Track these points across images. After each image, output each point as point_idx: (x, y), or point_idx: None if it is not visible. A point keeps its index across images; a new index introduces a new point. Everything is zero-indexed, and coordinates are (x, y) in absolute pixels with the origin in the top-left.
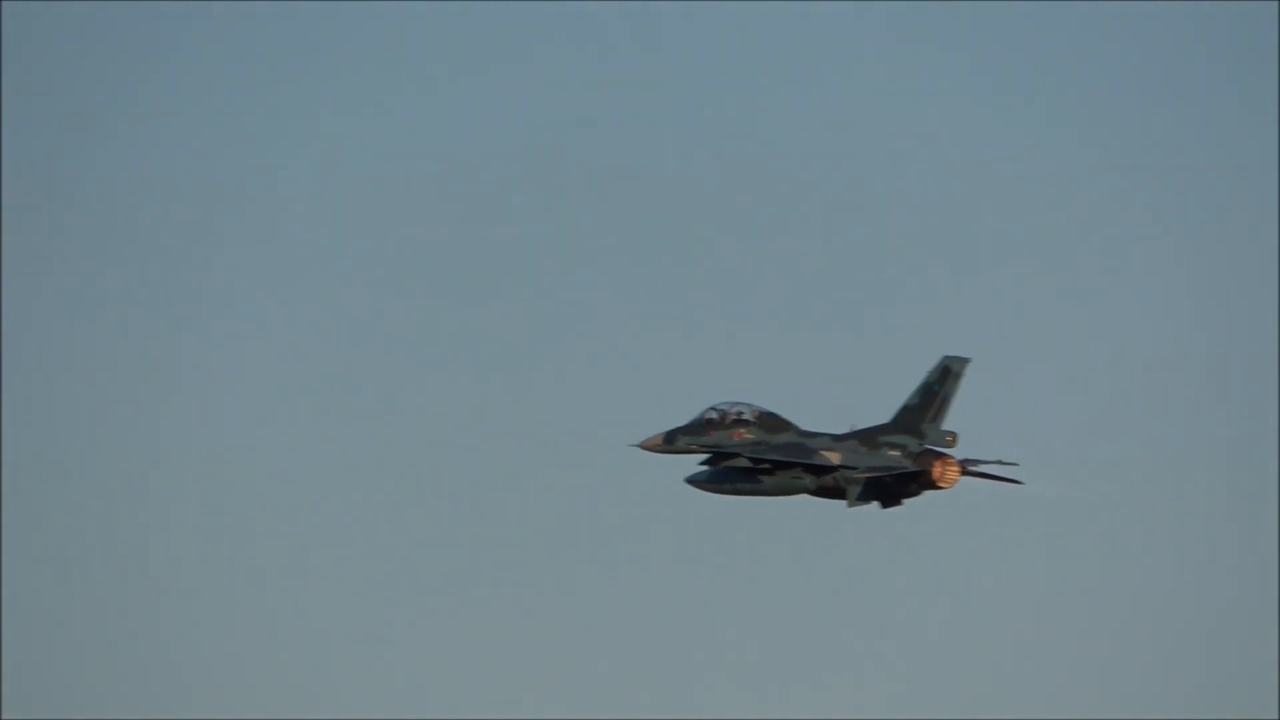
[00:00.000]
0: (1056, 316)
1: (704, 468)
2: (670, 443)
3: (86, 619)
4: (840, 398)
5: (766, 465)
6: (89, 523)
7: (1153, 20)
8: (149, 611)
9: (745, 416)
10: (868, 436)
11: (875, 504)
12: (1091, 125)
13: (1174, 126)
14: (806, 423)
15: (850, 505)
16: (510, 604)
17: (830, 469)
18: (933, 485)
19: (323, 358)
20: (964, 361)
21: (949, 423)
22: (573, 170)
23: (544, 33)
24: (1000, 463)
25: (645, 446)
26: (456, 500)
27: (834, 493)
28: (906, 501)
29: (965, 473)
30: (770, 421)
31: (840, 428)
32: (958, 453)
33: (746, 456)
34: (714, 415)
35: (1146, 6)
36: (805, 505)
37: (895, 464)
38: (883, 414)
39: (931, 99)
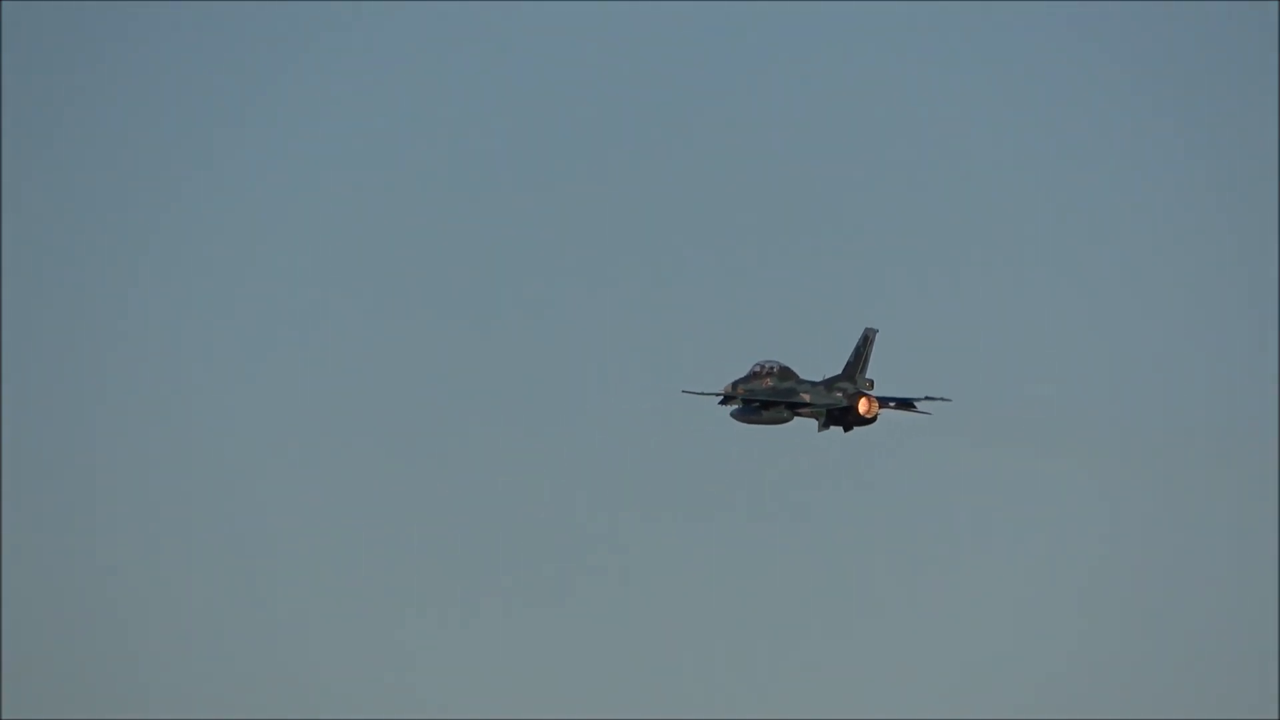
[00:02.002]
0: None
1: (735, 405)
2: (734, 388)
3: (86, 619)
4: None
5: (757, 404)
6: (88, 522)
7: (1152, 20)
8: (149, 611)
9: (773, 369)
10: (829, 383)
11: (839, 429)
12: (1090, 125)
13: (1174, 126)
14: (809, 374)
15: (820, 430)
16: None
17: (803, 405)
18: (861, 416)
19: (320, 355)
20: (875, 331)
21: (870, 372)
22: (571, 168)
23: (543, 33)
24: (930, 398)
25: (722, 391)
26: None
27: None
28: (857, 428)
29: (883, 407)
30: (786, 374)
31: (818, 378)
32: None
33: (741, 399)
34: (758, 369)
35: (1146, 6)
36: (797, 428)
37: (836, 402)
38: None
39: (931, 98)
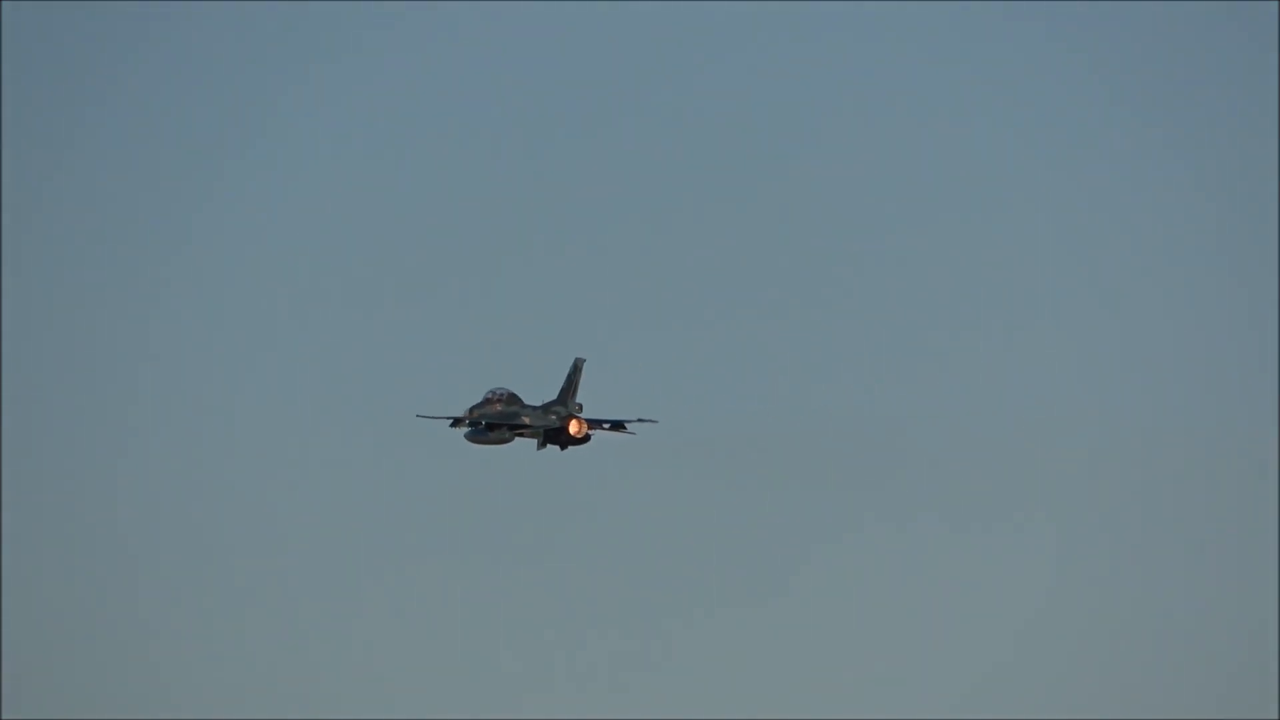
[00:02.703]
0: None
1: (468, 428)
2: (470, 412)
3: (86, 619)
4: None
5: (483, 424)
6: (88, 522)
7: (1152, 20)
8: (149, 611)
9: (503, 396)
10: (546, 407)
11: (555, 447)
12: (1090, 125)
13: (1174, 126)
14: (536, 398)
15: (539, 448)
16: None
17: (523, 427)
18: (572, 436)
19: (316, 353)
20: (583, 360)
21: (580, 396)
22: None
23: (543, 32)
24: (641, 420)
25: (463, 415)
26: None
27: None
28: (571, 447)
29: (596, 428)
30: (513, 400)
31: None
32: (588, 416)
33: (468, 421)
34: (490, 395)
35: (1146, 7)
36: (519, 446)
37: (549, 423)
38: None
39: (924, 97)
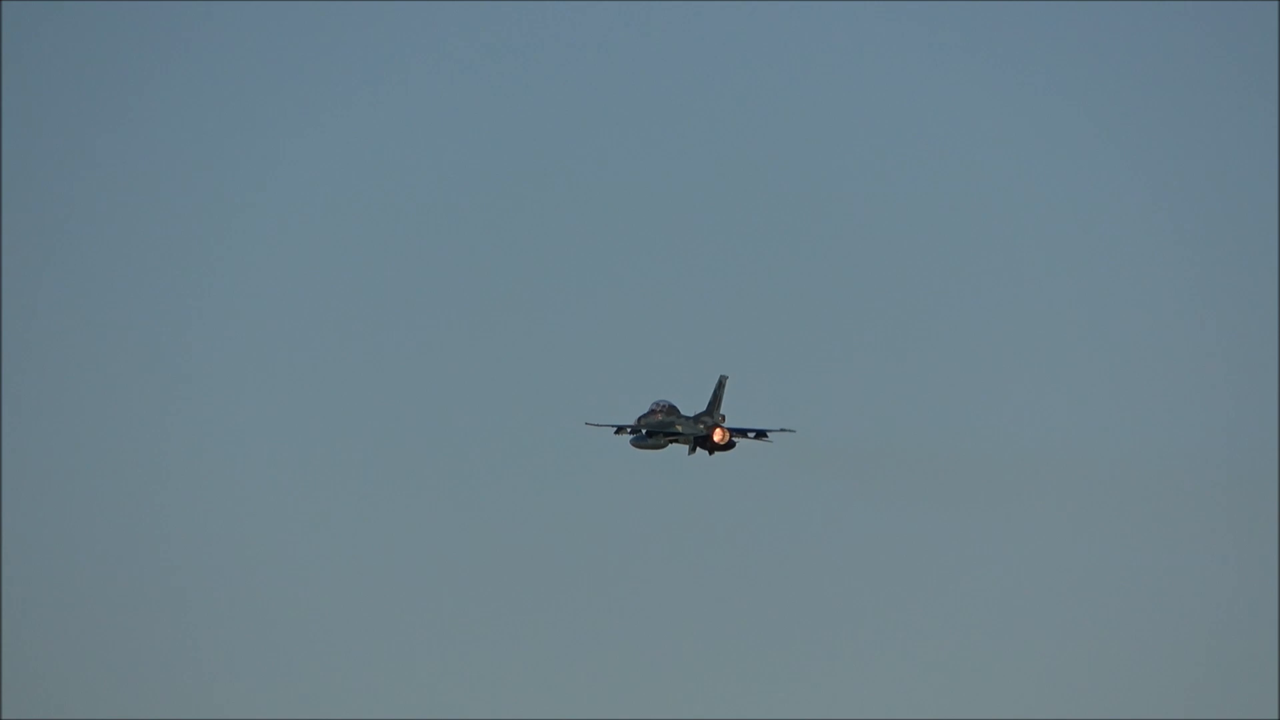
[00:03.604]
0: (1061, 313)
1: (628, 435)
2: (638, 421)
3: (86, 619)
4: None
5: (641, 431)
6: (89, 522)
7: (1152, 20)
8: (149, 611)
9: (664, 407)
10: (696, 417)
11: (704, 452)
12: (1090, 124)
13: (1174, 126)
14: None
15: (689, 453)
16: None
17: (676, 434)
18: (717, 443)
19: (315, 355)
20: (726, 378)
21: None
22: (569, 170)
23: (544, 32)
24: (783, 430)
25: (634, 424)
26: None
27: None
28: (718, 453)
29: (741, 436)
30: (672, 411)
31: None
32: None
33: (630, 429)
34: (654, 406)
35: (1146, 7)
36: (673, 451)
37: (697, 431)
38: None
39: (932, 98)
